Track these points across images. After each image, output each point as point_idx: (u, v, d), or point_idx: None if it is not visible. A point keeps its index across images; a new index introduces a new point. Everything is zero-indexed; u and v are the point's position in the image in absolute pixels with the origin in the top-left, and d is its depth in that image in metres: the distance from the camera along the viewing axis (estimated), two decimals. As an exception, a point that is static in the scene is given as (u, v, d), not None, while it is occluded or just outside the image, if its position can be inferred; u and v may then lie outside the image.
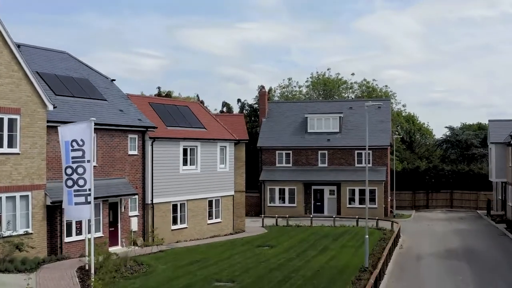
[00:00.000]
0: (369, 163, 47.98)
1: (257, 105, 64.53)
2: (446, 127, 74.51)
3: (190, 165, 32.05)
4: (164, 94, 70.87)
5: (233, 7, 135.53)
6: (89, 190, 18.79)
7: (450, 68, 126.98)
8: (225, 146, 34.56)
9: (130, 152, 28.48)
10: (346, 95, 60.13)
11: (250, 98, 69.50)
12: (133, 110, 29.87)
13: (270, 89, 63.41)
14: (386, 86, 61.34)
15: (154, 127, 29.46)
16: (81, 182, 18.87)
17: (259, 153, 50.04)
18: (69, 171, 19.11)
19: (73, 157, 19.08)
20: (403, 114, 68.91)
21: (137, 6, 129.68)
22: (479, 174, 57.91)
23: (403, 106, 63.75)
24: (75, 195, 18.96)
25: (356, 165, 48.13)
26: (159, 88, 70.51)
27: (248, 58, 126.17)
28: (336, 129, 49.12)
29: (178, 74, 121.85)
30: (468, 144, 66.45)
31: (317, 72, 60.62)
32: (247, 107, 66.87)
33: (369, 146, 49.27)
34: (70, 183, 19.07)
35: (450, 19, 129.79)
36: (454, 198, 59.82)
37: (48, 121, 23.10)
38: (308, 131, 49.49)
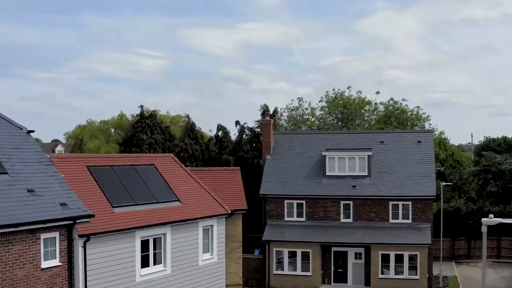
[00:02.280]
0: (407, 218, 36.12)
1: (258, 128, 52.60)
2: (482, 153, 62.64)
3: (154, 265, 20.22)
4: (147, 114, 59.02)
5: (234, 7, 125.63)
6: None
7: (451, 68, 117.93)
8: (212, 225, 22.72)
9: (44, 265, 16.76)
10: (369, 117, 48.21)
11: (251, 121, 57.53)
12: (56, 186, 18.07)
13: (276, 112, 51.48)
14: (418, 107, 49.57)
15: (88, 216, 17.69)
16: None
17: (262, 202, 38.12)
18: None
19: None
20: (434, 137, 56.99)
21: (138, 6, 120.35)
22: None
23: (435, 127, 51.63)
24: None
25: (391, 220, 36.21)
26: (141, 106, 58.73)
27: (249, 59, 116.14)
28: (364, 172, 37.19)
29: (179, 75, 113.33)
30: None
31: (333, 91, 48.92)
32: (247, 131, 54.97)
33: (409, 196, 37.94)
34: None
35: (452, 19, 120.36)
36: (502, 247, 48.57)
37: None
38: (327, 173, 37.56)
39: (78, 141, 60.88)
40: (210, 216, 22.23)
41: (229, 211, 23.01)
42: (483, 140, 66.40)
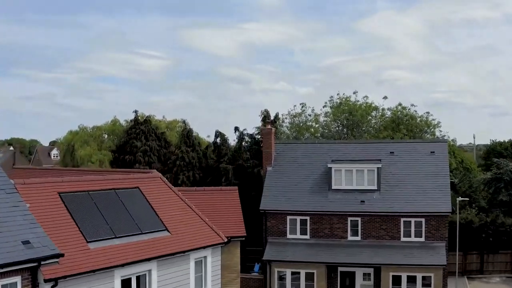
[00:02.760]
0: (420, 236, 33.29)
1: (258, 135, 49.77)
2: (494, 162, 59.68)
3: (137, 307, 17.33)
4: (142, 120, 56.16)
5: (235, 7, 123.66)
6: None
7: (452, 68, 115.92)
8: (205, 256, 19.86)
9: (1, 317, 13.92)
10: (376, 124, 45.28)
11: (251, 123, 54.64)
12: (19, 219, 15.24)
13: (277, 117, 48.61)
14: (427, 113, 46.50)
15: (57, 256, 14.84)
16: None
17: (263, 218, 35.27)
18: None
19: None
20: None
21: (139, 7, 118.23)
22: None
23: (445, 134, 48.53)
24: None
25: (403, 238, 33.37)
26: (135, 112, 55.88)
27: (250, 59, 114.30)
28: (373, 186, 34.33)
29: (180, 75, 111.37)
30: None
31: (338, 95, 45.98)
32: (247, 138, 52.15)
33: (422, 212, 35.14)
34: None
35: (453, 20, 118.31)
36: (517, 261, 46.01)
37: None
38: (333, 187, 34.70)
39: (70, 148, 58.00)
40: (204, 247, 19.37)
41: (226, 239, 20.16)
42: (488, 142, 63.53)
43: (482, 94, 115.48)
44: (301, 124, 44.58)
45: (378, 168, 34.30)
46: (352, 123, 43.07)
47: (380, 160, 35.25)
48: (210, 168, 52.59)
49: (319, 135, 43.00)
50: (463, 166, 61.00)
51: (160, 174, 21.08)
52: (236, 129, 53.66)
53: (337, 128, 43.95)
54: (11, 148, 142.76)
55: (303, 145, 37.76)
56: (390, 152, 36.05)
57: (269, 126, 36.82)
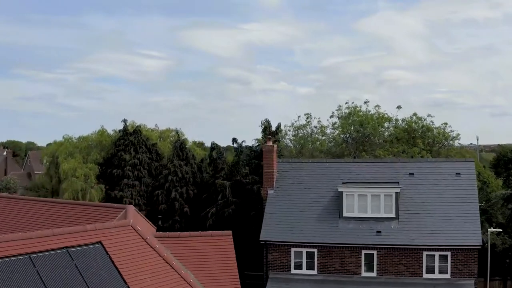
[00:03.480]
0: (445, 272, 28.71)
1: (259, 147, 45.26)
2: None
3: None
4: (131, 130, 51.47)
5: (236, 7, 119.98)
6: None
7: (453, 69, 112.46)
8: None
9: None
10: (389, 136, 40.58)
11: (250, 139, 50.12)
12: None
13: (279, 129, 44.08)
14: (445, 124, 41.74)
15: None
16: None
17: (264, 250, 30.66)
18: None
19: None
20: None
21: (140, 7, 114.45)
22: None
23: (471, 146, 43.51)
24: None
25: (425, 275, 28.78)
26: (124, 121, 51.24)
27: (251, 59, 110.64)
28: (391, 213, 29.74)
29: (181, 75, 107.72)
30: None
31: (347, 104, 41.27)
32: (246, 150, 47.59)
33: (447, 245, 30.47)
34: None
35: (453, 20, 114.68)
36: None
37: None
38: (345, 215, 30.11)
39: (54, 160, 53.29)
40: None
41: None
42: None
43: (482, 94, 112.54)
44: (306, 137, 39.88)
45: (396, 193, 29.71)
46: (363, 136, 38.44)
47: (398, 182, 30.67)
48: (205, 183, 48.01)
49: (325, 148, 38.26)
50: (480, 180, 56.42)
51: (131, 222, 16.39)
52: (234, 140, 49.13)
53: (345, 139, 39.16)
54: (5, 153, 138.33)
55: (310, 164, 33.10)
56: (410, 174, 31.47)
57: (270, 143, 32.20)
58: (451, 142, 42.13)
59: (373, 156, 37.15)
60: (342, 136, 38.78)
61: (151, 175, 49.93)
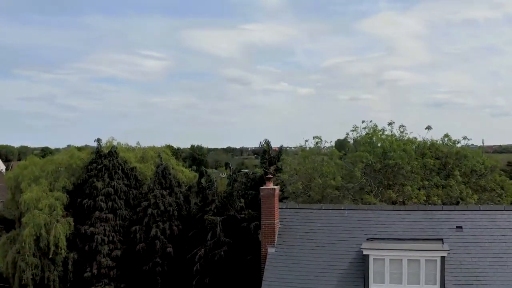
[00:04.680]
0: None
1: (256, 173, 37.66)
2: None
3: None
4: (106, 151, 43.54)
5: (236, 8, 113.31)
6: None
7: (453, 69, 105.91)
8: None
9: None
10: (418, 165, 32.45)
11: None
12: None
13: (280, 153, 36.39)
14: (482, 146, 33.79)
15: None
16: None
17: (262, 333, 22.74)
18: None
19: None
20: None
21: (140, 8, 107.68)
22: None
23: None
24: None
25: None
26: (98, 140, 43.46)
27: (251, 59, 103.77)
28: (434, 284, 21.87)
29: (181, 76, 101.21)
30: None
31: (364, 123, 33.35)
32: (241, 177, 39.76)
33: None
34: None
35: (454, 20, 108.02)
36: None
37: None
38: (372, 285, 22.24)
39: (18, 185, 45.35)
40: None
41: None
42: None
43: (483, 94, 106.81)
44: (315, 167, 31.97)
45: (442, 257, 21.80)
46: (388, 167, 30.56)
47: (442, 240, 22.79)
48: (192, 217, 40.24)
49: (340, 184, 30.25)
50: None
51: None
52: (227, 165, 41.40)
53: (365, 174, 31.08)
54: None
55: (323, 213, 25.15)
56: (457, 227, 23.56)
57: (270, 184, 24.27)
58: (491, 169, 34.17)
59: (401, 194, 29.36)
60: (359, 164, 30.76)
61: (128, 206, 42.19)
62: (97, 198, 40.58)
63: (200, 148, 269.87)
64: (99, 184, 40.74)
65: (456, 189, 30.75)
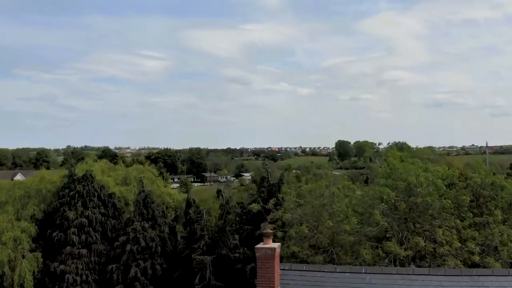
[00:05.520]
0: None
1: (250, 206, 31.99)
2: None
3: None
4: (80, 175, 37.82)
5: (236, 8, 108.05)
6: None
7: (453, 69, 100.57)
8: None
9: None
10: (444, 195, 26.82)
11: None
12: None
13: (282, 181, 30.93)
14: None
15: None
16: None
17: None
18: None
19: None
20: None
21: (140, 8, 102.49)
22: None
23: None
24: None
25: None
26: (71, 164, 37.80)
27: (251, 59, 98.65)
28: None
29: (181, 76, 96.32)
30: None
31: (380, 144, 27.78)
32: (235, 209, 34.13)
33: None
34: None
35: (454, 20, 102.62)
36: None
37: None
38: None
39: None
40: None
41: None
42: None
43: (483, 94, 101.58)
44: (325, 203, 26.33)
45: None
46: (413, 205, 24.87)
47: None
48: (179, 255, 34.59)
49: (357, 229, 24.55)
50: None
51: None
52: (219, 193, 35.68)
53: (386, 216, 25.19)
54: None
55: (337, 277, 19.49)
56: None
57: (269, 242, 18.60)
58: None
59: (431, 240, 23.73)
60: (382, 205, 24.96)
61: (106, 238, 36.52)
62: (69, 231, 34.96)
63: (199, 151, 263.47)
64: (71, 214, 35.12)
65: (496, 232, 25.09)
